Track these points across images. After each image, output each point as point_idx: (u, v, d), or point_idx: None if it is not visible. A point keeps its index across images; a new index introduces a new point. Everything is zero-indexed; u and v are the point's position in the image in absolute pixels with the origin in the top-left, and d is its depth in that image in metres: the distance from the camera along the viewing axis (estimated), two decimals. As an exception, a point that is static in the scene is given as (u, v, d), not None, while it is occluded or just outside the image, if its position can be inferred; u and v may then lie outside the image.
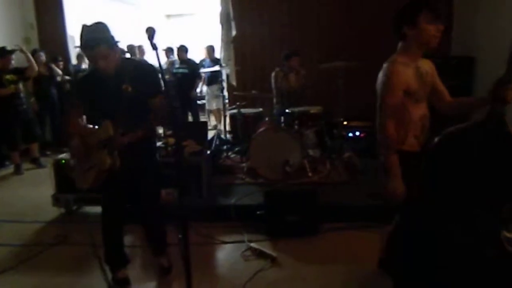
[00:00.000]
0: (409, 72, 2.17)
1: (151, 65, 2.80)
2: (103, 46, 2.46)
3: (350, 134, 5.69)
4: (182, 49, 7.54)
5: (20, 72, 5.92)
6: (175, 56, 8.08)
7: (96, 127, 2.64)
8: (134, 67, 2.64)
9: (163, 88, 2.66)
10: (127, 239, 3.61)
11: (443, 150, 2.05)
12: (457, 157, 2.01)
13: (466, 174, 1.97)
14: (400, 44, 2.26)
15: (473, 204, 1.97)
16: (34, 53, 6.73)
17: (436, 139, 2.08)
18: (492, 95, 1.94)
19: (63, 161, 4.20)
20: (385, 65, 2.22)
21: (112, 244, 2.91)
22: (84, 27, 2.49)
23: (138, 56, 7.75)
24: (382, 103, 2.20)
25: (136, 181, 2.80)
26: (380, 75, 2.23)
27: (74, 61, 8.12)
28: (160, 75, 2.45)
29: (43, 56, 6.78)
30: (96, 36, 2.46)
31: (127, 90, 2.49)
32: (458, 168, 1.99)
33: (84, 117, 2.82)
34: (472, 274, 2.06)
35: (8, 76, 5.73)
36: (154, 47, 2.05)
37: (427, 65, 2.28)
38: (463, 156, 1.99)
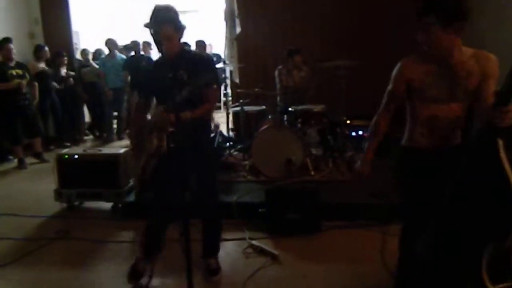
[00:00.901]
0: (422, 68, 2.06)
1: (210, 57, 2.81)
2: (170, 26, 2.54)
3: (353, 133, 5.67)
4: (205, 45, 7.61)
5: (24, 68, 5.94)
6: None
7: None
8: (193, 56, 2.74)
9: (218, 81, 2.70)
10: (130, 235, 3.64)
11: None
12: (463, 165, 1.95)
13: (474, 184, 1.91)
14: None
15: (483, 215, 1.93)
16: (40, 49, 6.74)
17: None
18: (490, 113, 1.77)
19: (66, 156, 4.21)
20: None
21: (153, 239, 2.90)
22: (156, 6, 2.57)
23: (142, 52, 7.72)
24: (386, 91, 2.24)
25: (189, 168, 2.74)
26: None
27: (78, 56, 8.15)
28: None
29: (48, 52, 6.79)
30: (165, 15, 2.55)
31: (182, 77, 2.50)
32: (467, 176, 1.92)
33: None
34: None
35: (13, 71, 5.74)
36: (159, 44, 2.05)
37: (477, 66, 2.00)
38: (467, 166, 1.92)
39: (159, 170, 2.65)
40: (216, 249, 3.07)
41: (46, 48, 6.79)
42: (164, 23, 2.52)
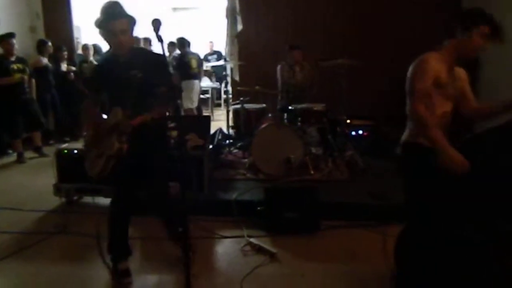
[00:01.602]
0: (442, 66, 2.23)
1: (162, 56, 2.79)
2: (125, 19, 2.57)
3: (353, 133, 5.67)
4: (184, 42, 7.53)
5: (24, 62, 5.93)
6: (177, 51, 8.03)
7: (105, 116, 2.68)
8: (146, 56, 2.77)
9: (170, 80, 2.76)
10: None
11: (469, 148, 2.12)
12: (475, 162, 2.05)
13: (485, 180, 2.00)
14: (445, 43, 2.31)
15: (492, 211, 1.97)
16: (43, 43, 6.73)
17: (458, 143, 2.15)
18: None
19: (65, 151, 4.21)
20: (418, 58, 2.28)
21: (119, 234, 2.88)
22: (107, 3, 2.59)
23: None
24: (411, 89, 2.25)
25: (146, 166, 2.80)
26: (412, 65, 2.29)
27: (79, 51, 8.12)
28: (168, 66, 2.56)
29: (51, 47, 6.78)
30: (120, 10, 2.58)
31: (136, 76, 2.55)
32: (478, 172, 2.04)
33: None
34: (487, 279, 2.06)
35: (15, 65, 5.74)
36: (160, 39, 2.05)
37: (461, 73, 2.37)
38: (481, 162, 2.04)
39: (119, 172, 2.65)
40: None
41: (50, 43, 6.77)
42: (119, 17, 2.54)
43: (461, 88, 2.35)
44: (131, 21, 2.62)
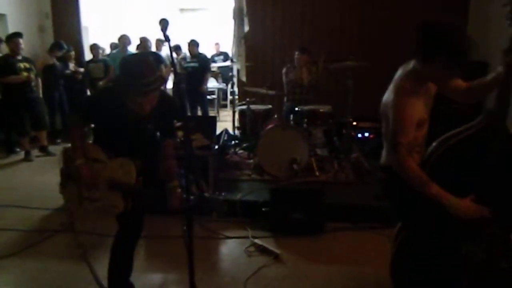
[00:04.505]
0: (420, 102, 1.98)
1: (174, 100, 2.56)
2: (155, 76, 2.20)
3: (359, 135, 5.65)
4: (193, 44, 7.52)
5: (30, 61, 5.98)
6: (186, 51, 8.05)
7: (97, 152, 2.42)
8: (161, 106, 2.40)
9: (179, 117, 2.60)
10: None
11: (444, 161, 1.94)
12: (459, 167, 1.93)
13: (472, 186, 1.89)
14: (417, 63, 2.00)
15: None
16: (59, 48, 6.75)
17: (432, 148, 1.98)
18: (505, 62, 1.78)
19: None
20: (395, 91, 1.99)
21: (127, 267, 2.60)
22: (139, 58, 2.33)
23: (152, 49, 7.71)
24: (396, 143, 1.95)
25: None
26: (390, 101, 2.01)
27: (87, 52, 8.17)
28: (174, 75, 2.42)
29: (63, 52, 6.84)
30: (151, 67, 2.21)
31: (151, 129, 2.43)
32: (463, 180, 1.91)
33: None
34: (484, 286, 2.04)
35: (21, 64, 5.79)
36: (167, 39, 2.06)
37: None
38: (466, 166, 1.91)
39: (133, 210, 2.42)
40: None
41: (63, 50, 6.80)
42: (152, 74, 2.18)
43: (432, 101, 2.11)
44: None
